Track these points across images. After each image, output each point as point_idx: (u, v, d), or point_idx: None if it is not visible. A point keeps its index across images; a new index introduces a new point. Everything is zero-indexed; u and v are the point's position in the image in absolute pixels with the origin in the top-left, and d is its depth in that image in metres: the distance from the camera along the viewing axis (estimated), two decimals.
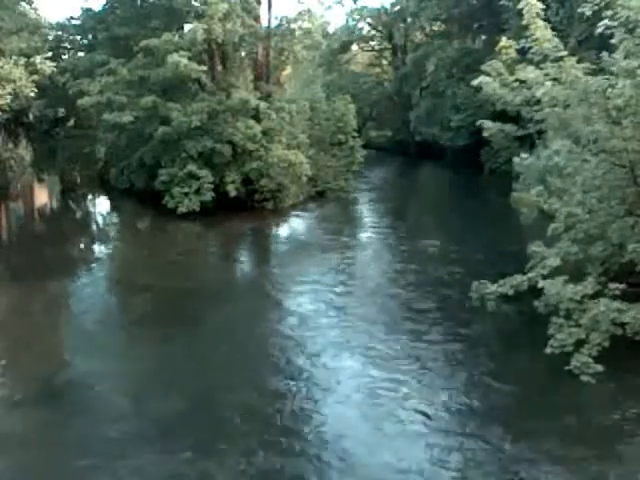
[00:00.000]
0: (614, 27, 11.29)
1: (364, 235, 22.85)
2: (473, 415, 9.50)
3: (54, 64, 21.85)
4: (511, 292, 11.66)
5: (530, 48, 12.64)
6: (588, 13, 12.15)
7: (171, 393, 10.20)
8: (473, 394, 10.09)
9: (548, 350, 10.31)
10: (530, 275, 11.65)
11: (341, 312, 14.06)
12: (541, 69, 12.26)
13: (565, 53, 12.23)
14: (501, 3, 29.13)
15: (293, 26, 27.16)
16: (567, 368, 9.92)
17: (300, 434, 9.17)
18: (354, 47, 49.16)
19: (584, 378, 9.74)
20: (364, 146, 31.46)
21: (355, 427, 9.29)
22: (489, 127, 13.69)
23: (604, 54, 12.18)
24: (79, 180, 33.91)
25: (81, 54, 29.55)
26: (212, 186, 23.92)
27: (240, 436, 9.01)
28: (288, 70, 31.95)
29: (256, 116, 24.68)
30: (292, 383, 10.68)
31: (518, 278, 11.66)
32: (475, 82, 13.09)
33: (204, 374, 10.96)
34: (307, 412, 9.74)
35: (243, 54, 28.22)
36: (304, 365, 11.36)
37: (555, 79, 12.06)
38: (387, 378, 10.68)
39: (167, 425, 9.29)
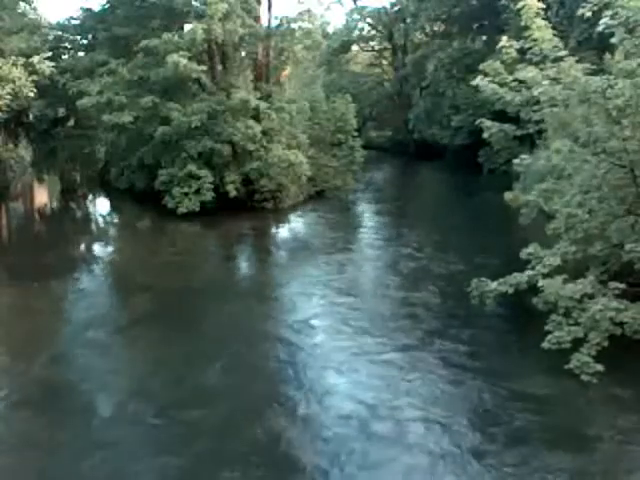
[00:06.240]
0: (614, 26, 11.30)
1: (364, 235, 22.85)
2: None
3: (54, 64, 21.82)
4: (511, 290, 11.68)
5: (530, 48, 12.66)
6: (588, 14, 12.17)
7: (170, 391, 10.26)
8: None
9: (545, 345, 10.33)
10: (530, 274, 11.66)
11: (341, 311, 14.07)
12: (541, 69, 12.27)
13: (565, 53, 12.25)
14: (501, 3, 29.16)
15: (293, 26, 27.10)
16: (567, 367, 9.92)
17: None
18: (354, 47, 49.16)
19: (584, 378, 9.72)
20: (364, 146, 31.42)
21: None
22: (488, 127, 13.70)
23: (607, 56, 12.19)
24: (79, 180, 33.93)
25: (81, 54, 29.45)
26: (212, 186, 23.93)
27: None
28: (288, 70, 31.90)
29: (256, 116, 24.68)
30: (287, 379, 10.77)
31: (518, 277, 11.68)
32: (474, 82, 13.14)
33: (202, 371, 10.99)
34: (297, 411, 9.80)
35: (243, 54, 28.21)
36: (301, 362, 11.41)
37: (554, 79, 12.07)
38: (380, 373, 10.85)
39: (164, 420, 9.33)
